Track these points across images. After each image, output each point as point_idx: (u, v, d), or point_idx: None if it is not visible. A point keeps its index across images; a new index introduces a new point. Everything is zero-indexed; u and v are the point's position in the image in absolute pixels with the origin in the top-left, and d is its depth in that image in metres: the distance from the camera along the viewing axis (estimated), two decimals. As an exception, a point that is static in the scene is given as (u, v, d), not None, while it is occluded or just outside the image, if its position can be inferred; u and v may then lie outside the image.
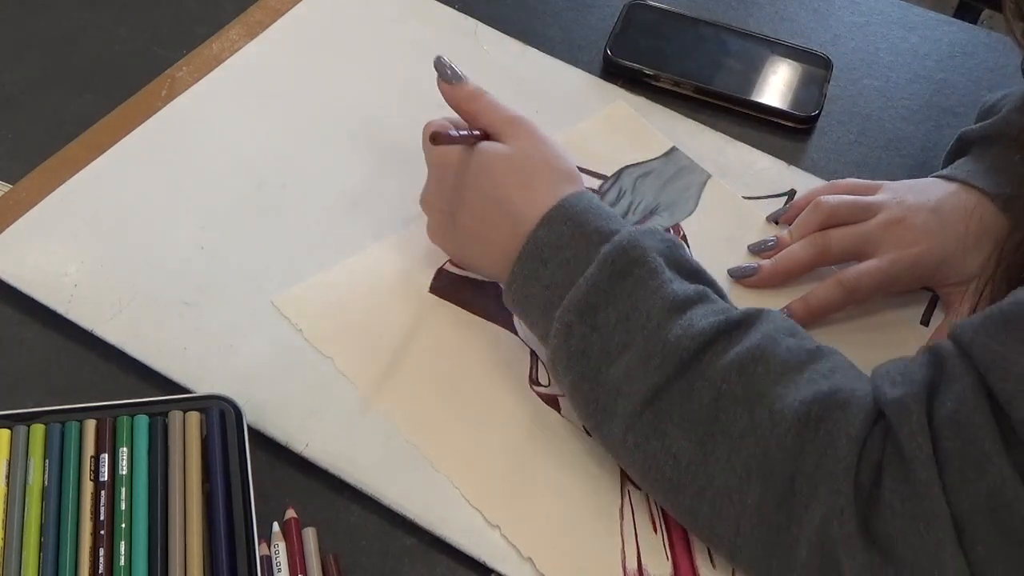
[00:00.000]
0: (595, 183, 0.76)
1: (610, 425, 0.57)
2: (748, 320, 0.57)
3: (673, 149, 0.78)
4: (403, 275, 0.68)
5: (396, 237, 0.70)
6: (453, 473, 0.61)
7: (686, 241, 0.73)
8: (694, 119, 0.81)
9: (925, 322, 0.71)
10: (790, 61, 0.85)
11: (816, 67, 0.84)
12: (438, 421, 0.63)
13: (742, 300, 0.70)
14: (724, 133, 0.80)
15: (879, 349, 0.68)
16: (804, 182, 0.77)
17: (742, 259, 0.73)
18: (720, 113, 0.82)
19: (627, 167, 0.77)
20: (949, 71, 0.87)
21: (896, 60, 0.88)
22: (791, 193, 0.77)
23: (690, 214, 0.75)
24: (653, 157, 0.78)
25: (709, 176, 0.77)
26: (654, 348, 0.56)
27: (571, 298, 0.58)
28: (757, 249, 0.73)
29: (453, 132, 0.63)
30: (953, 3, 1.46)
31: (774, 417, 0.54)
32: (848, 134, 0.82)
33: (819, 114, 0.82)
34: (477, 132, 0.64)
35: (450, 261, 0.69)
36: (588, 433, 0.62)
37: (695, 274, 0.60)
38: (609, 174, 0.76)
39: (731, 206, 0.76)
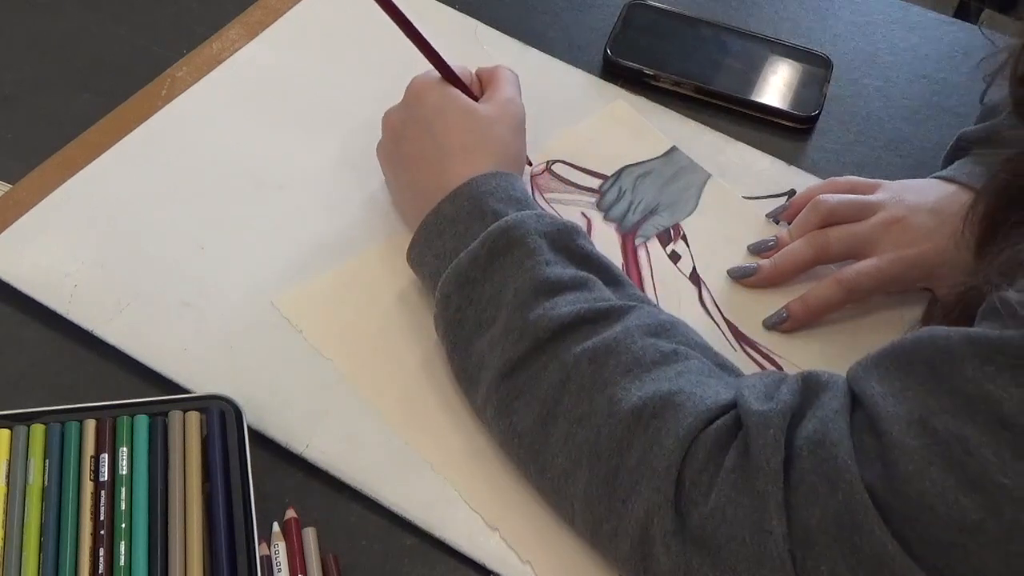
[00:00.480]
0: (595, 183, 0.76)
1: (475, 395, 0.60)
2: (614, 312, 0.58)
3: (673, 149, 0.78)
4: (403, 276, 0.68)
5: (395, 238, 0.70)
6: (452, 475, 0.61)
7: (686, 241, 0.73)
8: (694, 119, 0.81)
9: (925, 322, 0.71)
10: (790, 61, 0.85)
11: (816, 67, 0.84)
12: (437, 423, 0.63)
13: (742, 300, 0.70)
14: (724, 133, 0.80)
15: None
16: (804, 182, 0.77)
17: (742, 259, 0.73)
18: (720, 113, 0.82)
19: (627, 167, 0.77)
20: (949, 71, 0.87)
21: (896, 60, 0.88)
22: (791, 193, 0.77)
23: (690, 214, 0.75)
24: (653, 157, 0.78)
25: (709, 176, 0.77)
26: (514, 324, 0.58)
27: (452, 270, 0.61)
28: (757, 249, 0.73)
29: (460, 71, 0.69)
30: (953, 3, 1.46)
31: (611, 407, 0.55)
32: (848, 134, 0.82)
33: (819, 114, 0.82)
34: (459, 69, 0.70)
35: None
36: None
37: (585, 260, 0.61)
38: (609, 174, 0.77)
39: (731, 206, 0.76)
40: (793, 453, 0.51)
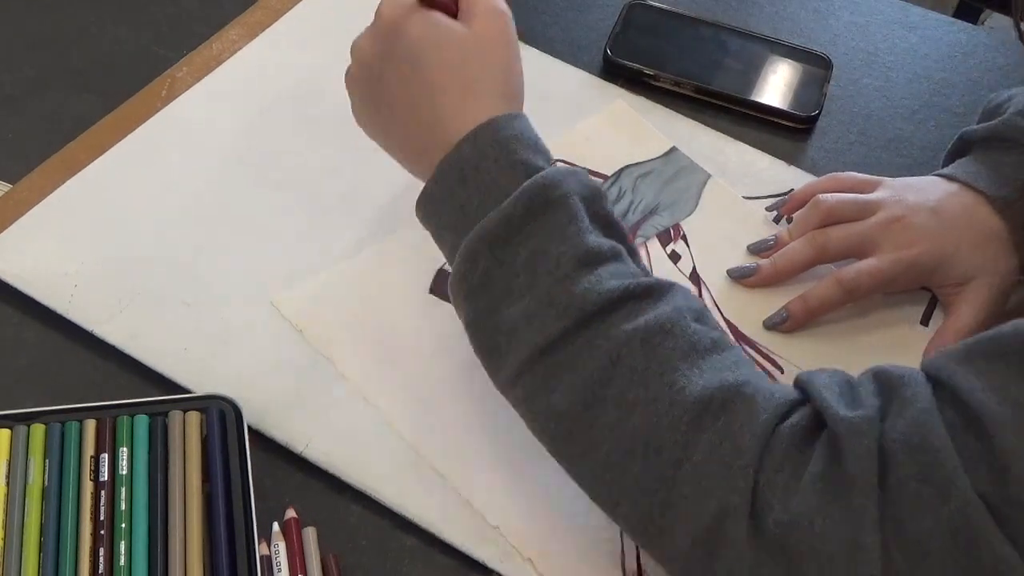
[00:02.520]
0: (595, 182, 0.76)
1: (501, 369, 0.55)
2: (659, 290, 0.54)
3: (673, 149, 0.78)
4: (403, 276, 0.68)
5: (396, 238, 0.70)
6: (453, 474, 0.61)
7: (686, 241, 0.73)
8: (694, 119, 0.81)
9: (925, 322, 0.71)
10: (790, 61, 0.85)
11: (816, 67, 0.84)
12: (437, 422, 0.63)
13: (742, 300, 0.70)
14: (724, 133, 0.80)
15: (879, 349, 0.69)
16: (804, 182, 0.77)
17: (742, 259, 0.73)
18: (720, 113, 0.82)
19: (627, 167, 0.77)
20: (949, 71, 0.87)
21: (896, 60, 0.88)
22: (791, 193, 0.77)
23: (690, 214, 0.75)
24: (653, 157, 0.78)
25: (709, 176, 0.77)
26: (557, 297, 0.53)
27: (483, 226, 0.55)
28: (756, 249, 0.73)
29: None
30: (953, 3, 1.46)
31: (672, 395, 0.51)
32: (848, 134, 0.82)
33: (819, 114, 0.82)
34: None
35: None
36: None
37: (611, 227, 0.57)
38: (609, 173, 0.76)
39: (731, 206, 0.76)
40: (886, 458, 0.48)
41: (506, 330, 0.54)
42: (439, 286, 0.69)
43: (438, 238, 0.59)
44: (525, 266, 0.54)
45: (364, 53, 0.61)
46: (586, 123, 0.79)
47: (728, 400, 0.51)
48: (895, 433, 0.48)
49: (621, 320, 0.53)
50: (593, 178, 0.57)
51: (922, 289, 0.71)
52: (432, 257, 0.69)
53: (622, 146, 0.78)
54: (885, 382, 0.51)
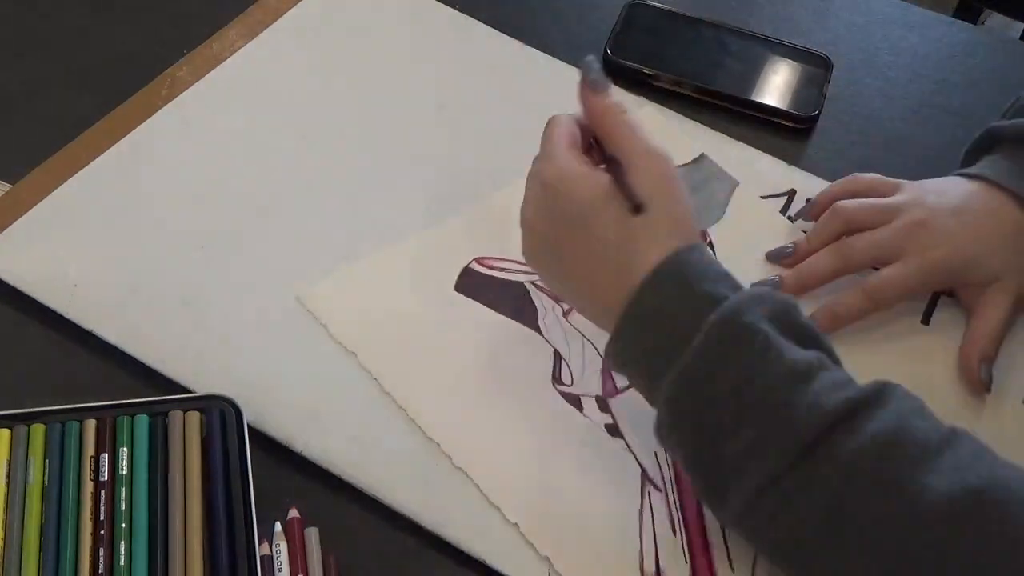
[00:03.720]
0: None
1: (728, 504, 0.53)
2: (879, 396, 0.52)
3: (702, 156, 0.78)
4: (428, 273, 0.68)
5: (422, 235, 0.71)
6: (473, 470, 0.61)
7: (712, 248, 0.73)
8: (694, 119, 0.81)
9: (925, 321, 0.71)
10: (790, 61, 0.85)
11: (816, 67, 0.84)
12: (460, 419, 0.63)
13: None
14: (724, 133, 0.80)
15: (879, 349, 0.69)
16: (804, 182, 0.77)
17: (770, 268, 0.72)
18: (720, 113, 0.82)
19: None
20: (949, 71, 0.87)
21: (896, 60, 0.88)
22: (791, 193, 0.77)
23: (717, 221, 0.75)
24: (681, 164, 0.77)
25: (737, 183, 0.76)
26: (777, 425, 0.51)
27: (678, 370, 0.53)
28: (775, 257, 0.72)
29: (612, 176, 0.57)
30: (953, 3, 1.46)
31: (915, 507, 0.49)
32: (848, 134, 0.82)
33: (819, 114, 0.82)
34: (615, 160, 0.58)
35: (476, 260, 0.69)
36: (614, 436, 0.62)
37: (809, 337, 0.54)
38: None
39: (759, 214, 0.75)
40: None
41: (729, 467, 0.52)
42: (464, 284, 0.69)
43: (635, 385, 0.58)
44: (731, 399, 0.52)
45: (532, 222, 0.60)
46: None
47: (978, 502, 0.49)
48: None
49: (846, 437, 0.51)
50: (781, 294, 0.55)
51: (946, 294, 0.71)
52: (457, 255, 0.70)
53: None
54: None
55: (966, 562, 0.48)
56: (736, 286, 0.55)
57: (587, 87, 0.59)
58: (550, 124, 0.60)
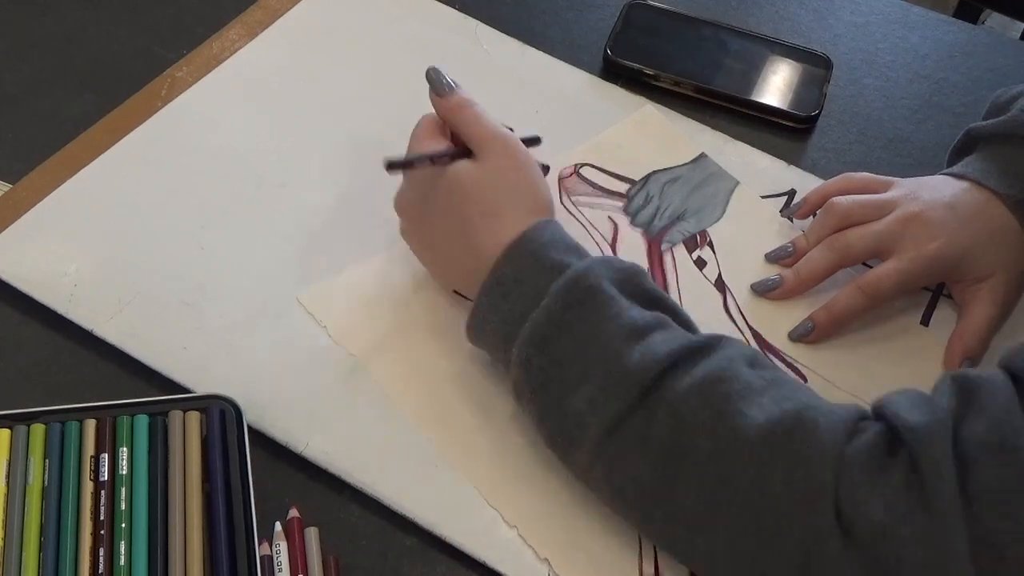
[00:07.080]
0: (623, 187, 0.76)
1: (576, 456, 0.57)
2: (709, 345, 0.56)
3: (702, 155, 0.78)
4: (427, 274, 0.68)
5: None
6: (472, 472, 0.61)
7: (712, 247, 0.73)
8: (694, 119, 0.81)
9: (925, 322, 0.71)
10: (790, 61, 0.85)
11: (816, 67, 0.84)
12: (459, 420, 0.63)
13: (767, 307, 0.70)
14: (724, 133, 0.80)
15: (879, 349, 0.69)
16: (804, 182, 0.77)
17: (767, 267, 0.72)
18: (720, 113, 0.82)
19: (655, 172, 0.77)
20: (949, 71, 0.87)
21: (896, 60, 0.88)
22: (791, 193, 0.77)
23: (717, 220, 0.75)
24: (681, 163, 0.78)
25: (737, 183, 0.77)
26: (614, 376, 0.55)
27: (528, 330, 0.57)
28: (775, 257, 0.72)
29: (410, 157, 0.64)
30: (953, 3, 1.46)
31: (736, 436, 0.52)
32: (848, 134, 0.82)
33: (819, 114, 0.82)
34: (440, 152, 0.64)
35: None
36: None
37: (656, 301, 0.59)
38: (637, 178, 0.76)
39: (758, 213, 0.75)
40: (967, 459, 0.48)
41: (573, 419, 0.56)
42: None
43: (493, 353, 0.62)
44: (576, 356, 0.56)
45: (405, 208, 0.66)
46: (616, 128, 0.79)
47: (791, 426, 0.52)
48: (973, 435, 0.48)
49: (675, 381, 0.54)
50: (625, 260, 0.60)
51: (923, 289, 0.71)
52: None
53: (650, 152, 0.78)
54: (962, 385, 0.51)
55: (781, 486, 0.51)
56: (584, 256, 0.59)
57: (433, 92, 0.65)
58: (417, 124, 0.66)
